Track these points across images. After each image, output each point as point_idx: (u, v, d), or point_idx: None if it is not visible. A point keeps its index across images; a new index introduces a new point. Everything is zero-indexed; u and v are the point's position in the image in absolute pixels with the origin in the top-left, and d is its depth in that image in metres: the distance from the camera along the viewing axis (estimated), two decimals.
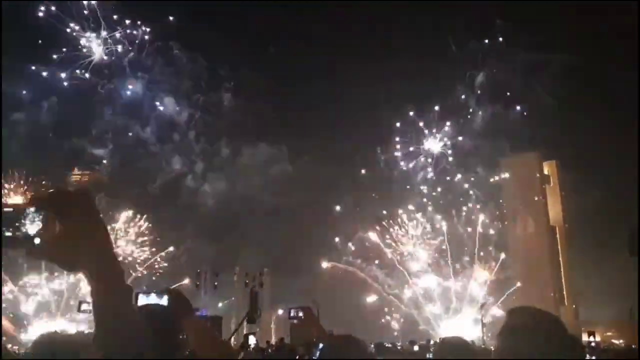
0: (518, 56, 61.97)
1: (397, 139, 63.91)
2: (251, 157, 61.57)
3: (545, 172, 69.77)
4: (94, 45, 57.19)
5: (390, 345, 19.39)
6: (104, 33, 57.43)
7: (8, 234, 1.28)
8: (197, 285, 44.95)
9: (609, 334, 52.99)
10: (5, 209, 1.29)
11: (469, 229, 61.38)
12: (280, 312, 59.20)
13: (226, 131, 63.58)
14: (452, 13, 60.31)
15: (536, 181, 68.17)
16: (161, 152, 61.95)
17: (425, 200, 63.10)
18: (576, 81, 57.88)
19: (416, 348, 20.22)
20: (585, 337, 33.66)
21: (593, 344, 26.68)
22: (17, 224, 1.29)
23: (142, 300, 3.18)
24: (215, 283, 47.28)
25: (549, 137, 63.12)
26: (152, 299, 3.18)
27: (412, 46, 63.41)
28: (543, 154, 68.30)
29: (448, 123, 63.97)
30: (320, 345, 3.93)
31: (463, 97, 64.59)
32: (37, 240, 1.29)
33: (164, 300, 3.11)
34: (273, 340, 33.47)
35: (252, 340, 17.60)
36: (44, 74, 56.92)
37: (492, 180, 65.05)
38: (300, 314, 4.92)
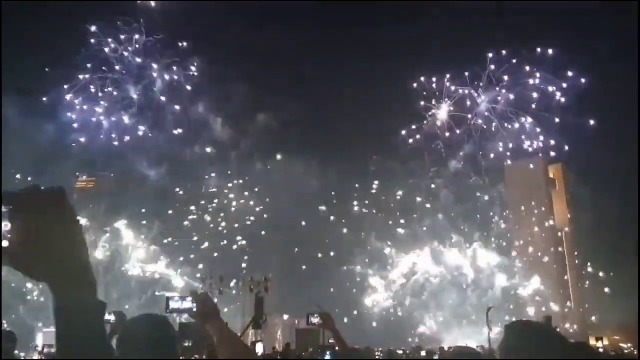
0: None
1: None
2: (280, 172, 62.80)
3: (551, 175, 69.51)
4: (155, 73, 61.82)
5: (401, 352, 19.32)
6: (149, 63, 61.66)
7: None
8: (204, 291, 45.00)
9: (616, 337, 52.62)
10: None
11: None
12: (285, 317, 59.15)
13: (258, 148, 64.81)
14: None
15: (541, 185, 67.93)
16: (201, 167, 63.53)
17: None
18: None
19: (423, 353, 20.15)
20: (592, 342, 33.45)
21: (601, 350, 26.48)
22: None
23: (173, 305, 3.44)
24: (221, 289, 47.16)
25: (555, 140, 63.39)
26: (180, 303, 3.43)
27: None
28: (548, 157, 68.25)
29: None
30: (328, 354, 3.94)
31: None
32: (4, 243, 1.15)
33: (190, 303, 3.31)
34: (279, 346, 33.42)
35: (259, 348, 17.46)
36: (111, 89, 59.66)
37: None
38: (318, 320, 5.01)
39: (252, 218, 63.98)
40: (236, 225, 63.42)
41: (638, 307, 43.15)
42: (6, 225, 1.15)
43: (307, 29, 67.61)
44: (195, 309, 3.16)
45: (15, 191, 1.18)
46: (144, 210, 59.86)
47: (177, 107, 63.25)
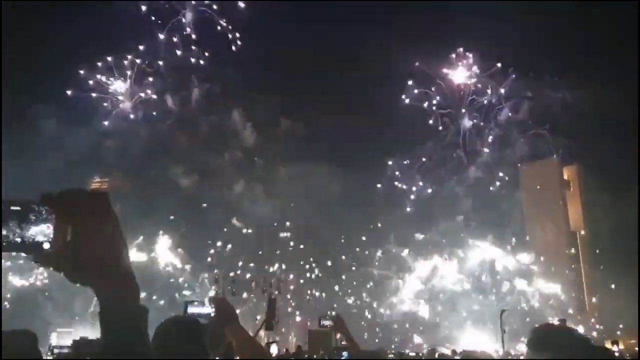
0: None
1: None
2: (305, 177, 63.34)
3: (566, 177, 69.02)
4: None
5: (413, 354, 19.21)
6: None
7: (12, 235, 1.10)
8: (217, 292, 45.18)
9: (632, 341, 52.02)
10: (12, 207, 1.11)
11: None
12: (298, 319, 59.26)
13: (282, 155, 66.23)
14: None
15: (556, 186, 67.47)
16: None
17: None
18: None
19: (437, 355, 19.99)
20: (608, 346, 33.02)
21: (617, 353, 26.19)
22: (24, 225, 1.11)
23: (191, 309, 3.42)
24: (233, 289, 47.35)
25: (570, 142, 63.05)
26: (199, 308, 3.42)
27: None
28: (564, 159, 67.78)
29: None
30: (344, 354, 3.96)
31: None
32: (45, 245, 1.11)
33: (208, 308, 3.37)
34: (290, 348, 33.39)
35: (274, 349, 17.43)
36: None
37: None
38: (330, 322, 5.09)
39: (274, 224, 65.07)
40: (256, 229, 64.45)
41: (638, 310, 43.12)
42: (49, 227, 1.12)
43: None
44: (213, 314, 3.18)
45: (58, 192, 1.16)
46: (172, 217, 60.94)
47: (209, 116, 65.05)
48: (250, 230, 64.33)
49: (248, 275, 55.80)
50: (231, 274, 48.67)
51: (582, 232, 67.57)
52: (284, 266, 61.43)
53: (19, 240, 1.11)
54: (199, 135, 64.65)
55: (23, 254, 1.13)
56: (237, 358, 3.18)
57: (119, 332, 1.18)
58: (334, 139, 66.44)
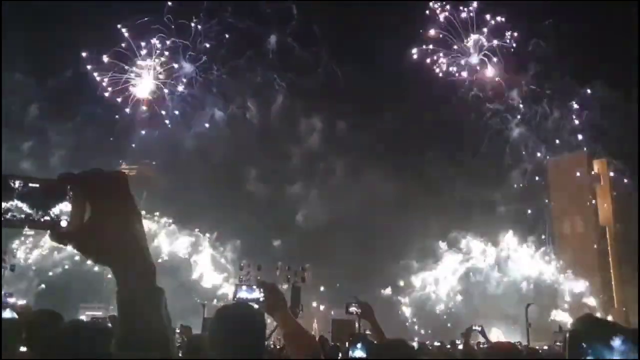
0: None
1: None
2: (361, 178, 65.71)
3: (595, 170, 67.75)
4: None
5: (439, 344, 19.11)
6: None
7: (31, 212, 1.14)
8: (240, 279, 45.37)
9: None
10: (32, 185, 1.15)
11: None
12: (321, 307, 59.53)
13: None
14: None
15: (585, 180, 66.29)
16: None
17: None
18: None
19: (460, 347, 19.91)
20: None
21: None
22: (43, 203, 1.14)
23: (240, 294, 3.40)
24: (258, 277, 47.59)
25: (601, 135, 62.16)
26: (249, 292, 3.38)
27: None
28: (593, 152, 66.63)
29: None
30: (359, 347, 3.93)
31: None
32: (63, 223, 1.15)
33: (258, 293, 3.28)
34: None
35: None
36: None
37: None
38: (357, 309, 4.95)
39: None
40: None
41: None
42: (67, 206, 1.16)
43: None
44: (262, 299, 3.17)
45: (76, 172, 1.19)
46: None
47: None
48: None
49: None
50: (259, 264, 48.90)
51: (611, 226, 66.31)
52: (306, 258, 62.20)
53: (37, 217, 1.15)
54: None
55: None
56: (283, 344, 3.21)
57: (134, 311, 1.20)
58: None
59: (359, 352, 3.88)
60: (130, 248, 1.21)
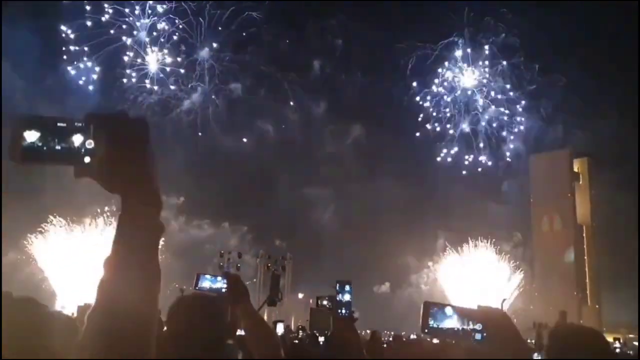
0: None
1: None
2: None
3: (576, 169, 68.52)
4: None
5: (415, 337, 19.23)
6: None
7: (58, 147, 1.22)
8: (221, 266, 45.29)
9: (631, 335, 52.09)
10: (59, 124, 1.23)
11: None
12: (300, 296, 59.63)
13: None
14: None
15: (566, 178, 67.01)
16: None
17: None
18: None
19: (435, 341, 20.07)
20: (610, 340, 33.04)
21: (618, 350, 26.21)
22: (69, 139, 1.23)
23: (203, 282, 3.36)
24: (238, 265, 47.48)
25: (580, 133, 62.77)
26: (212, 282, 3.35)
27: None
28: (574, 150, 67.30)
29: None
30: (347, 287, 3.87)
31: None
32: (86, 159, 1.23)
33: (221, 283, 3.30)
34: (292, 326, 33.60)
35: (280, 328, 17.42)
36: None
37: None
38: (329, 303, 4.59)
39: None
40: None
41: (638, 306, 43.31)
42: (90, 143, 1.23)
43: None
44: (225, 290, 3.15)
45: (101, 113, 1.27)
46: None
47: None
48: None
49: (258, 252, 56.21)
50: (239, 251, 48.72)
51: (590, 225, 67.27)
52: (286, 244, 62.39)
53: (63, 152, 1.23)
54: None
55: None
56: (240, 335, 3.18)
57: (133, 238, 1.28)
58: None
59: (347, 296, 3.93)
60: (144, 181, 1.30)
